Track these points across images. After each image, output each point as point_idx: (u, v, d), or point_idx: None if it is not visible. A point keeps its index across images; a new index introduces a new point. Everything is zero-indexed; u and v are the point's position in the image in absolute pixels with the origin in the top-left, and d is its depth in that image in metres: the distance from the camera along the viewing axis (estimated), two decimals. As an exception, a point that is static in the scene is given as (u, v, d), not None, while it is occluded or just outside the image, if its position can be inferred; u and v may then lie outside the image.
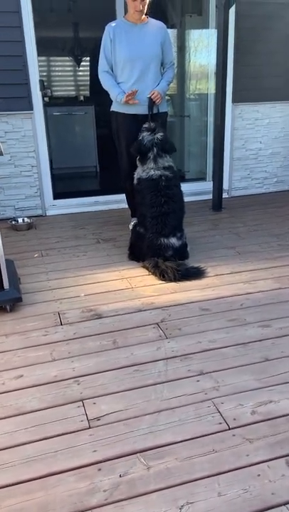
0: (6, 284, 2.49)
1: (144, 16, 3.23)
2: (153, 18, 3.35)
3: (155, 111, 3.33)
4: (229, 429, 1.63)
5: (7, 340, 2.24)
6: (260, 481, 1.42)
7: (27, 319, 2.44)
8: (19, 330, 2.33)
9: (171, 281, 2.81)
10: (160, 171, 3.02)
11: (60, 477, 1.46)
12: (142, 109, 3.30)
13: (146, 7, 3.15)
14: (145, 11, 3.18)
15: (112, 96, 3.32)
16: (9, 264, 2.78)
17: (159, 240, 2.97)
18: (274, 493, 1.38)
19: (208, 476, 1.44)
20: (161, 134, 3.08)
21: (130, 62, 3.21)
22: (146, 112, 3.29)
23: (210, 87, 5.00)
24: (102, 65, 3.30)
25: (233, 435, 1.60)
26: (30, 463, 1.51)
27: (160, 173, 3.01)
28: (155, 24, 3.29)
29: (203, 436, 1.60)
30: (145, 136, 3.08)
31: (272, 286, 2.76)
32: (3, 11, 3.75)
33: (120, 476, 1.45)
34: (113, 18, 4.42)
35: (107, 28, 3.24)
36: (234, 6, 4.10)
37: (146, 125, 3.16)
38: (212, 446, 1.56)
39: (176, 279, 2.82)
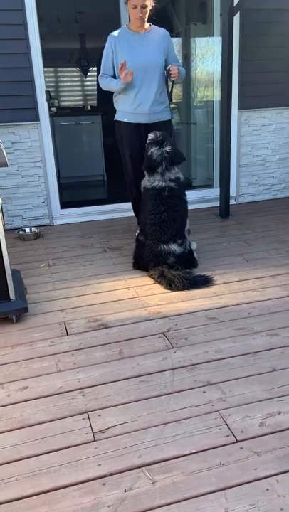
0: (12, 295, 2.49)
1: (147, 24, 3.24)
2: (158, 26, 3.35)
3: (157, 117, 3.33)
4: (237, 441, 1.60)
5: (13, 351, 2.24)
6: (269, 496, 1.38)
7: (33, 330, 2.43)
8: (25, 340, 2.32)
9: (179, 290, 2.79)
10: (166, 182, 3.00)
11: (64, 492, 1.44)
12: (144, 119, 3.30)
13: (147, 14, 3.14)
14: (146, 18, 3.17)
15: (115, 88, 3.28)
16: (15, 274, 2.79)
17: (159, 247, 2.96)
18: (283, 509, 1.34)
19: (215, 491, 1.41)
20: (169, 147, 3.03)
21: (133, 72, 3.21)
22: (149, 122, 3.30)
23: (216, 94, 5.01)
24: (101, 73, 3.36)
25: (241, 448, 1.57)
26: (35, 477, 1.50)
27: (165, 185, 2.99)
28: (158, 32, 3.29)
29: (210, 449, 1.57)
30: (154, 151, 3.02)
31: (281, 293, 2.72)
32: (9, 24, 3.80)
33: (125, 490, 1.42)
34: (119, 28, 4.47)
35: (109, 37, 3.25)
36: (238, 13, 4.11)
37: (152, 135, 3.10)
38: (219, 460, 1.52)
39: (184, 288, 2.79)
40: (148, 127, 3.30)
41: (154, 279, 2.95)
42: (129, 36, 3.24)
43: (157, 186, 2.99)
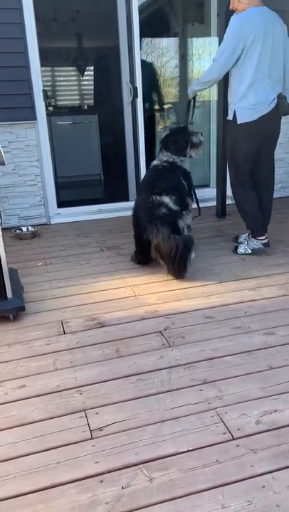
0: (9, 294, 2.49)
1: (240, 9, 2.97)
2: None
3: None
4: (233, 439, 1.61)
5: (10, 349, 2.24)
6: (265, 493, 1.39)
7: (30, 328, 2.43)
8: (22, 339, 2.33)
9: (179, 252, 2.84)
10: (159, 162, 3.26)
11: (61, 489, 1.44)
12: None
13: (234, 2, 2.95)
14: (235, 6, 2.98)
15: None
16: (12, 273, 2.79)
17: (151, 198, 3.00)
18: (279, 505, 1.35)
19: (211, 488, 1.42)
20: (167, 132, 3.36)
21: None
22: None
23: (212, 95, 5.02)
24: None
25: (237, 445, 1.58)
26: (32, 474, 1.50)
27: (159, 163, 3.25)
28: None
29: (207, 446, 1.58)
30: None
31: (277, 293, 2.73)
32: (6, 23, 3.80)
33: (122, 487, 1.43)
34: (116, 28, 4.47)
35: None
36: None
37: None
38: (216, 457, 1.53)
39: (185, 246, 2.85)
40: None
41: (156, 246, 2.93)
42: None
43: (154, 163, 3.27)
